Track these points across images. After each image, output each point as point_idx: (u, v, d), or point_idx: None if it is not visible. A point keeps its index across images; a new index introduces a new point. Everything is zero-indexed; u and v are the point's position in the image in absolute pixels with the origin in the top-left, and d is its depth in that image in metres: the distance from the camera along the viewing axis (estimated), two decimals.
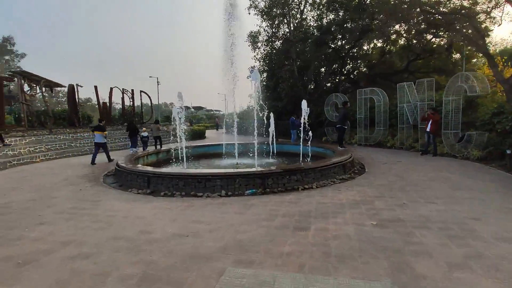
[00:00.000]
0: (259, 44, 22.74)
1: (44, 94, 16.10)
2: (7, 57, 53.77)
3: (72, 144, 14.35)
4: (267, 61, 22.77)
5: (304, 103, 9.92)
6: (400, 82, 20.13)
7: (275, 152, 11.25)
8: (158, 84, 42.66)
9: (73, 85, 17.13)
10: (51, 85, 16.92)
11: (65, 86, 17.94)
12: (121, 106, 22.44)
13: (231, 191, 6.45)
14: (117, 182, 7.95)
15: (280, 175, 6.71)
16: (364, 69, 21.49)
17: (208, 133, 28.69)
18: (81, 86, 17.59)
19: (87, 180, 8.21)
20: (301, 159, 9.87)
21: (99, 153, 11.25)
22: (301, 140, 9.99)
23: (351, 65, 21.50)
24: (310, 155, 9.33)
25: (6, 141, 11.38)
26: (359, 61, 20.94)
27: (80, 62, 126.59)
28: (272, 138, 11.20)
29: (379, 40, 19.07)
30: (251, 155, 11.95)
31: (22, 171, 9.79)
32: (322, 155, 10.90)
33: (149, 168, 7.47)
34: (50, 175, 8.97)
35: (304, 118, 9.60)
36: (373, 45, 20.36)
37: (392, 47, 19.39)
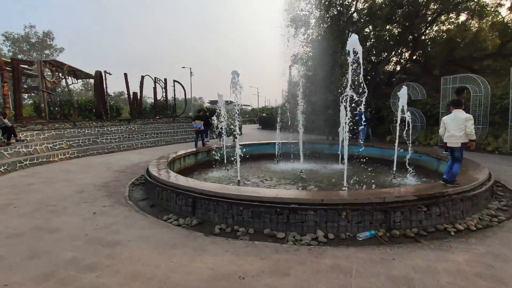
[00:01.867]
0: (306, 28, 19.70)
1: (67, 82, 14.36)
2: (47, 52, 55.07)
3: (98, 140, 12.41)
4: (315, 48, 19.68)
5: (404, 89, 7.10)
6: (486, 69, 16.36)
7: (344, 156, 8.46)
8: (191, 75, 40.60)
9: (100, 71, 15.10)
10: (76, 72, 15.10)
11: (93, 77, 16.18)
12: (152, 99, 20.42)
13: (332, 231, 3.81)
14: (147, 199, 5.58)
15: (413, 205, 3.92)
16: (432, 54, 17.70)
17: (244, 129, 26.28)
18: (110, 74, 15.66)
19: (106, 193, 5.92)
20: (395, 168, 7.06)
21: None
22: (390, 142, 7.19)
23: (420, 50, 17.79)
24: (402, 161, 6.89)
25: (20, 136, 9.51)
26: (433, 44, 17.15)
27: (118, 59, 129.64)
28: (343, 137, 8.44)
29: (464, 15, 15.30)
30: (311, 159, 9.35)
31: (32, 175, 7.76)
32: (417, 163, 7.90)
33: (196, 184, 4.91)
34: (63, 183, 6.83)
35: (407, 111, 6.83)
36: (458, 23, 16.49)
37: (480, 25, 15.48)
